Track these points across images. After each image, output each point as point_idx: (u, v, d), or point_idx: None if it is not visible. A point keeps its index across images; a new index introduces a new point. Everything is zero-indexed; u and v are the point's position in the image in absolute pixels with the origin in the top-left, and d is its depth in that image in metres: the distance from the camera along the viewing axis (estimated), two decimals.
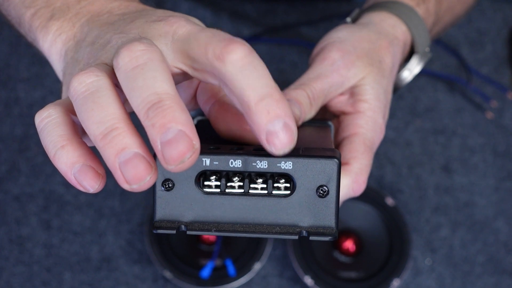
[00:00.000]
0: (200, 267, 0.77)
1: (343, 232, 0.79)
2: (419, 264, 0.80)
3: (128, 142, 0.36)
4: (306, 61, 0.58)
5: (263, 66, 0.37)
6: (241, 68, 0.36)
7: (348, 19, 0.60)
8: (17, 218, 0.81)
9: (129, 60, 0.36)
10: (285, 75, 0.88)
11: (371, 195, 0.80)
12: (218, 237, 0.78)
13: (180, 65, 0.39)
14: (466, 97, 0.89)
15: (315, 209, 0.39)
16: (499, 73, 0.90)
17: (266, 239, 0.77)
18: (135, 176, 0.35)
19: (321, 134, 0.49)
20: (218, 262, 0.77)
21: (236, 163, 0.38)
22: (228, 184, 0.39)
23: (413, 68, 0.59)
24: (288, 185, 0.39)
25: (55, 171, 0.83)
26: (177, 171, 0.35)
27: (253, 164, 0.38)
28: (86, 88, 0.36)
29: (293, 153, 0.38)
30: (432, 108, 0.88)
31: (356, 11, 0.61)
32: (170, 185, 0.39)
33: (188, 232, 0.39)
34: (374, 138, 0.52)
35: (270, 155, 0.37)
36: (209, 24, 0.90)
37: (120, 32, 0.41)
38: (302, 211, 0.39)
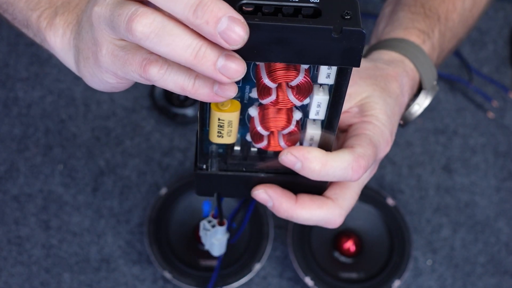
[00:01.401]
0: (200, 267, 0.76)
1: (343, 232, 0.78)
2: (419, 264, 0.80)
3: (214, 49, 0.40)
4: None
5: None
6: None
7: None
8: (16, 219, 0.81)
9: None
10: None
11: (371, 195, 0.79)
12: None
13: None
14: (467, 97, 0.88)
15: (342, 23, 0.41)
16: (500, 72, 0.90)
17: (266, 238, 0.77)
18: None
19: None
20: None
21: None
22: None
23: (422, 102, 0.61)
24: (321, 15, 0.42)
25: (54, 171, 0.83)
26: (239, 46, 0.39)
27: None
28: (154, 27, 0.39)
29: None
30: (433, 108, 0.88)
31: (364, 48, 0.61)
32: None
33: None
34: (380, 142, 0.53)
35: None
36: None
37: None
38: (333, 22, 0.41)
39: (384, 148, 0.54)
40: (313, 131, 0.50)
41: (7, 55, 0.89)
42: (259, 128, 0.49)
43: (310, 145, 0.51)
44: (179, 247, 0.77)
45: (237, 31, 0.38)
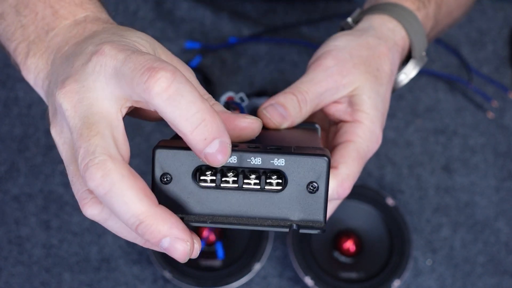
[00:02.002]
0: (200, 268, 0.76)
1: (343, 232, 0.78)
2: (419, 264, 0.80)
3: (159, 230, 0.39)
4: (306, 60, 0.58)
5: (189, 88, 0.38)
6: (168, 100, 0.37)
7: (349, 19, 0.60)
8: (16, 219, 0.81)
9: (95, 188, 0.38)
10: (285, 75, 0.88)
11: (371, 195, 0.79)
12: (214, 229, 0.77)
13: (126, 104, 0.40)
14: (467, 97, 0.88)
15: (305, 204, 0.41)
16: (500, 72, 0.90)
17: (266, 238, 0.77)
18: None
19: (310, 135, 0.51)
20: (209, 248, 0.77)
21: (231, 159, 0.40)
22: (223, 179, 0.41)
23: (410, 72, 0.60)
24: (280, 181, 0.41)
25: (54, 171, 0.83)
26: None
27: (247, 160, 0.40)
28: (104, 185, 0.38)
29: (286, 151, 0.40)
30: (433, 108, 0.88)
31: (357, 12, 0.61)
32: (168, 179, 0.41)
33: (184, 223, 0.40)
34: (369, 148, 0.53)
35: (264, 152, 0.40)
36: (209, 24, 0.90)
37: (59, 84, 0.42)
38: (293, 206, 0.41)
39: (375, 146, 0.54)
40: None
41: (7, 55, 0.89)
42: None
43: None
44: None
45: (179, 248, 0.38)
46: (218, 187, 0.41)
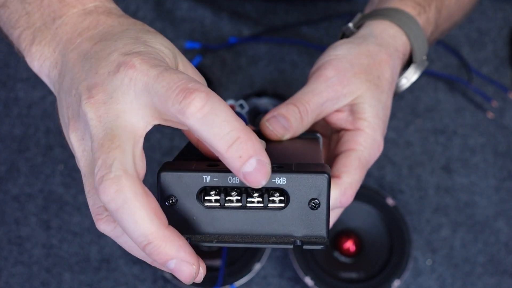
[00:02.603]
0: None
1: (343, 232, 0.78)
2: (419, 264, 0.80)
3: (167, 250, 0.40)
4: (306, 61, 0.58)
5: (223, 108, 0.38)
6: (203, 120, 0.38)
7: (350, 25, 0.61)
8: (17, 218, 0.81)
9: (107, 202, 0.38)
10: (285, 75, 0.88)
11: (371, 195, 0.79)
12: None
13: (154, 121, 0.41)
14: (467, 97, 0.89)
15: (308, 220, 0.42)
16: (499, 73, 0.90)
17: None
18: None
19: (311, 147, 0.52)
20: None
21: (234, 179, 0.41)
22: (227, 198, 0.42)
23: (411, 77, 0.61)
24: (282, 198, 0.42)
25: (54, 171, 0.83)
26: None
27: None
28: (117, 201, 0.38)
29: (287, 169, 0.41)
30: (433, 108, 0.88)
31: (358, 17, 0.61)
32: (173, 201, 0.42)
33: (190, 243, 0.41)
34: (371, 155, 0.54)
35: None
36: (209, 24, 0.90)
37: (86, 92, 0.41)
38: (296, 222, 0.42)
39: (377, 153, 0.55)
40: None
41: (7, 55, 0.89)
42: None
43: None
44: None
45: (185, 270, 0.39)
46: (222, 206, 0.42)
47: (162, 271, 0.76)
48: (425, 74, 0.89)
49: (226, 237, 0.42)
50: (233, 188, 0.41)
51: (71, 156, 0.84)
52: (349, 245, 0.78)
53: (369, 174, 0.84)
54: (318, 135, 0.55)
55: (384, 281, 0.76)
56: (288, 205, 0.41)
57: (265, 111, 0.72)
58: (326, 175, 0.41)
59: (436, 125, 0.87)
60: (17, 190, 0.82)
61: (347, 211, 0.79)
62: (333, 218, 0.55)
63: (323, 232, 0.41)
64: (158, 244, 0.38)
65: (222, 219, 0.42)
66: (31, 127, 0.85)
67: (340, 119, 0.55)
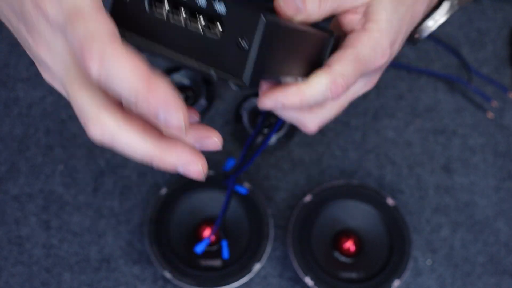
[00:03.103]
0: (200, 268, 0.76)
1: (343, 232, 0.78)
2: (419, 264, 0.80)
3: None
4: None
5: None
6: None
7: None
8: (17, 218, 0.81)
9: (95, 69, 0.38)
10: None
11: (371, 195, 0.79)
12: (219, 234, 0.77)
13: None
14: (467, 97, 0.89)
15: (233, 58, 0.40)
16: (499, 73, 0.90)
17: (266, 238, 0.77)
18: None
19: (320, 40, 0.49)
20: (215, 247, 0.77)
21: None
22: (175, 16, 0.42)
23: (439, 18, 0.58)
24: (221, 30, 0.40)
25: (54, 171, 0.83)
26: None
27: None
28: (103, 139, 0.41)
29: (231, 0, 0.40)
30: (433, 108, 0.88)
31: None
32: None
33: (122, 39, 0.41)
34: (371, 57, 0.51)
35: None
36: None
37: None
38: (223, 55, 0.40)
39: (379, 59, 0.51)
40: None
41: (7, 55, 0.89)
42: None
43: None
44: (179, 247, 0.78)
45: (193, 170, 0.43)
46: (167, 19, 0.42)
47: (162, 271, 0.76)
48: (425, 74, 0.89)
49: (156, 47, 0.42)
50: (181, 4, 0.41)
51: (71, 156, 0.84)
52: (349, 245, 0.78)
53: (369, 174, 0.84)
54: (335, 34, 0.51)
55: (384, 281, 0.76)
56: (221, 37, 0.40)
57: (265, 111, 0.72)
58: (262, 17, 0.38)
59: (436, 125, 0.87)
60: (17, 190, 0.82)
61: (347, 211, 0.79)
62: (325, 117, 0.53)
63: (241, 74, 0.40)
64: (155, 111, 0.38)
65: (162, 30, 0.42)
66: (31, 127, 0.85)
67: (353, 20, 0.52)
